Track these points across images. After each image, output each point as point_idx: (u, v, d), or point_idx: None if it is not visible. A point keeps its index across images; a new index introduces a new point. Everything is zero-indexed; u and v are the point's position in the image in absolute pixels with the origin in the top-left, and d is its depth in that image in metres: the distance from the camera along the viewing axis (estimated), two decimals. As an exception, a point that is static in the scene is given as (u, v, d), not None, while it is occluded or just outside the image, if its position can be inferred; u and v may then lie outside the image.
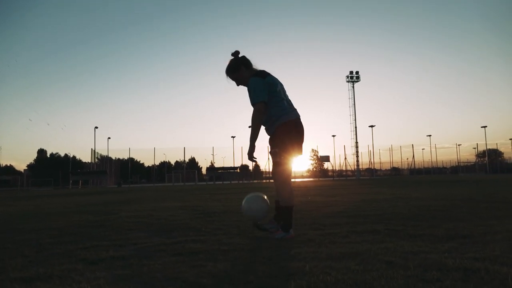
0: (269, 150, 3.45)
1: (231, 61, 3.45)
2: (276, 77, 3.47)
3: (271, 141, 3.40)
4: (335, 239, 2.96)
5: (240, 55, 3.44)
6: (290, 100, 3.49)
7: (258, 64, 3.50)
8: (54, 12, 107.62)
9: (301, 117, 3.44)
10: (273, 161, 3.32)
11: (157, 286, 1.81)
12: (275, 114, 3.29)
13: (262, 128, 3.40)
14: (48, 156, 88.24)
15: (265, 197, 3.52)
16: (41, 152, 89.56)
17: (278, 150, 3.24)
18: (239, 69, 3.41)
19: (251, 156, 3.33)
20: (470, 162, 62.55)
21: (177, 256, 2.47)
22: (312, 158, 73.22)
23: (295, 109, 3.45)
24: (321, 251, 2.47)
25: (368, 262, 2.12)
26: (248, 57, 3.48)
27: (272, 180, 3.51)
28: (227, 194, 11.34)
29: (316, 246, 2.70)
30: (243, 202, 3.55)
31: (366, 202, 6.56)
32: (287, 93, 3.52)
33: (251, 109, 3.30)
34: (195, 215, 5.12)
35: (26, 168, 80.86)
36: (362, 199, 7.37)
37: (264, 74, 3.36)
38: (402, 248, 2.51)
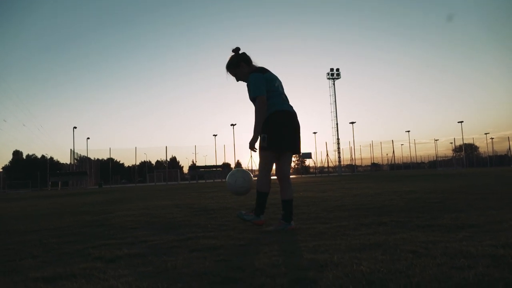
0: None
1: (232, 57, 3.51)
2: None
3: (262, 128, 3.38)
4: (347, 232, 2.98)
5: (240, 52, 3.51)
6: (287, 97, 3.56)
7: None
8: (31, 13, 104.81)
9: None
10: (259, 146, 3.36)
11: (189, 281, 1.77)
12: (270, 104, 3.35)
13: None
14: (24, 157, 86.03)
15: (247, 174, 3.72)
16: (17, 153, 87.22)
17: (266, 136, 3.30)
18: (239, 65, 3.47)
19: (252, 146, 3.36)
20: (447, 157, 64.04)
21: (195, 252, 2.44)
22: (294, 155, 73.57)
23: (291, 106, 3.52)
24: (340, 243, 2.48)
25: (392, 252, 2.14)
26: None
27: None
28: (215, 192, 11.27)
29: (331, 238, 2.71)
30: (227, 177, 3.73)
31: (360, 196, 6.62)
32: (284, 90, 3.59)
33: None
34: (193, 213, 5.07)
35: (1, 170, 78.64)
36: (354, 193, 7.44)
37: (263, 70, 3.46)
38: (418, 238, 2.54)
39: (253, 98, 3.33)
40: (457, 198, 5.49)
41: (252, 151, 3.38)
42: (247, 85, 3.43)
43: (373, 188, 9.01)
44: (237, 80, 3.57)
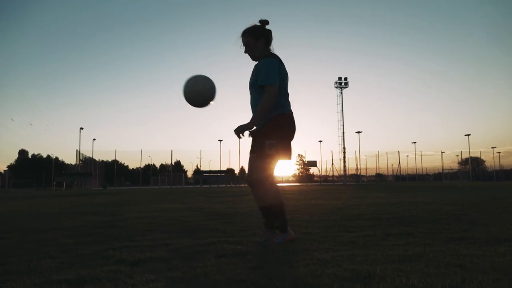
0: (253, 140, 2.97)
1: (256, 26, 3.05)
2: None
3: (263, 131, 2.90)
4: (377, 242, 2.83)
5: (267, 27, 3.07)
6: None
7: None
8: (39, 13, 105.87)
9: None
10: (264, 154, 2.85)
11: (226, 289, 1.64)
12: (279, 103, 2.91)
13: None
14: (30, 157, 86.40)
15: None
16: (23, 152, 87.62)
17: (275, 142, 2.86)
18: (259, 39, 3.01)
19: (241, 131, 2.86)
20: (453, 170, 63.51)
21: (223, 258, 2.31)
22: (298, 163, 73.44)
23: None
24: (375, 254, 2.34)
25: (436, 266, 1.99)
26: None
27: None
28: (223, 197, 11.14)
29: (363, 248, 2.57)
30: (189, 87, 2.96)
31: (376, 206, 6.47)
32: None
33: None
34: (208, 217, 4.94)
35: (7, 168, 78.88)
36: (368, 203, 7.28)
37: (280, 61, 3.04)
38: (458, 251, 2.39)
39: (261, 86, 2.86)
40: (479, 210, 5.32)
41: (237, 136, 2.87)
42: (257, 68, 2.94)
43: (385, 198, 8.85)
44: (245, 52, 3.09)
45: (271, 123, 2.89)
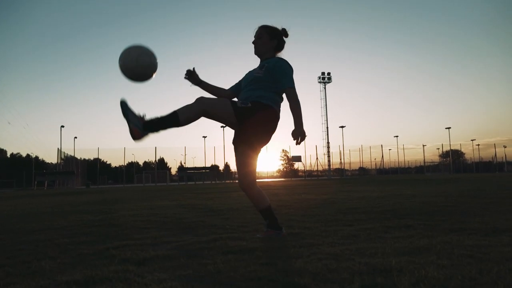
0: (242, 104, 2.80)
1: (276, 29, 3.08)
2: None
3: (253, 120, 2.77)
4: (379, 235, 2.83)
5: (284, 37, 3.11)
6: None
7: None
8: (17, 11, 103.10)
9: None
10: (254, 144, 2.85)
11: (244, 287, 1.60)
12: (272, 97, 2.90)
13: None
14: (9, 156, 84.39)
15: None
16: (1, 152, 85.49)
17: (250, 104, 2.79)
18: (272, 40, 3.04)
19: (302, 136, 2.82)
20: (434, 162, 64.65)
21: (230, 254, 2.26)
22: (283, 158, 73.63)
23: None
24: (383, 247, 2.33)
25: (448, 257, 1.99)
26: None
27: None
28: (210, 193, 11.07)
29: (368, 241, 2.56)
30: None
31: (367, 199, 6.50)
32: None
33: None
34: (203, 213, 4.89)
35: (-16, 168, 76.78)
36: (357, 196, 7.32)
37: None
38: (463, 242, 2.41)
39: (289, 87, 2.87)
40: (468, 202, 5.40)
41: (299, 142, 2.82)
42: (273, 67, 2.90)
43: (373, 191, 8.92)
44: (253, 42, 3.08)
45: (263, 113, 2.82)
